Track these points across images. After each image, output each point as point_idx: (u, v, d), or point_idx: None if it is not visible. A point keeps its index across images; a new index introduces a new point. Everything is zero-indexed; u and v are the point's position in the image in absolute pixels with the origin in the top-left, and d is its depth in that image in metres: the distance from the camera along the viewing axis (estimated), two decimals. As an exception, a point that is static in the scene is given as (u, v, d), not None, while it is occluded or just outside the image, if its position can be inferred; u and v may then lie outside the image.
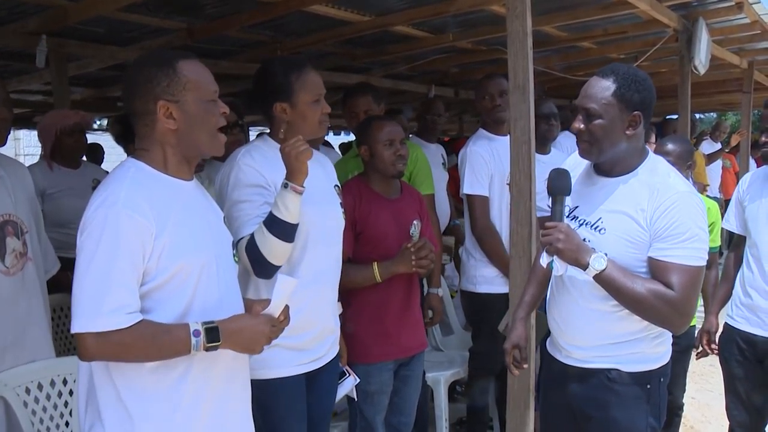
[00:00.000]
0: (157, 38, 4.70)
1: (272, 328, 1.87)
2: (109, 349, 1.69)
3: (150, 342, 1.71)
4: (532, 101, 2.86)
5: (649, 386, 2.22)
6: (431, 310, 3.42)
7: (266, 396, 2.37)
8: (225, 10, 4.20)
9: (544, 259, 2.20)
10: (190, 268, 1.80)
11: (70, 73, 4.84)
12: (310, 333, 2.47)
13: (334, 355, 2.64)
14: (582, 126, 2.19)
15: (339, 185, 2.69)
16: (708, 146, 9.85)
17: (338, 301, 2.68)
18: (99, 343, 1.67)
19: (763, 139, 2.94)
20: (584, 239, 2.18)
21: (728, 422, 3.18)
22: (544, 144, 4.11)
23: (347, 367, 2.81)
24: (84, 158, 4.40)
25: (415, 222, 2.99)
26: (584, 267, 2.10)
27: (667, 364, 2.29)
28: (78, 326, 1.68)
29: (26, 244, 2.53)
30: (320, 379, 2.56)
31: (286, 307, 1.92)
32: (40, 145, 4.06)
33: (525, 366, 2.49)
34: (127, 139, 3.76)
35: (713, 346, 3.18)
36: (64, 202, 3.75)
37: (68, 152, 3.97)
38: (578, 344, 2.30)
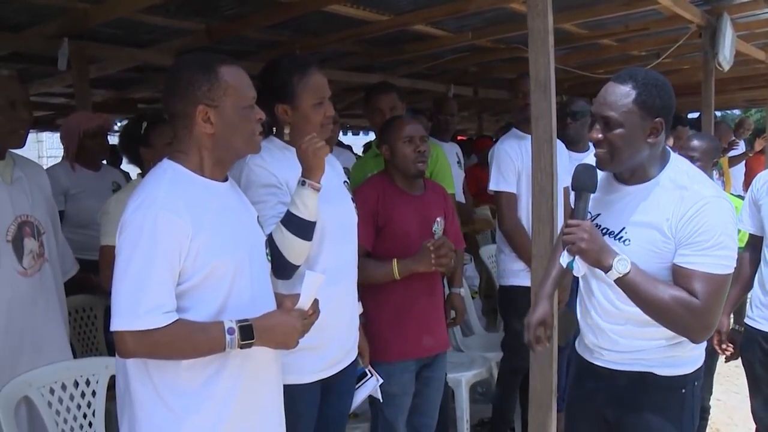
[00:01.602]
0: (175, 39, 4.72)
1: (303, 322, 1.89)
2: (147, 347, 1.73)
3: (186, 340, 1.76)
4: (554, 99, 2.83)
5: (683, 390, 2.16)
6: (454, 310, 3.40)
7: None
8: (243, 10, 4.21)
9: (564, 259, 2.11)
10: (225, 268, 1.83)
11: (91, 75, 4.86)
12: (330, 331, 2.44)
13: (354, 357, 2.62)
14: (600, 135, 2.08)
15: (348, 182, 2.68)
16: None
17: (359, 300, 2.67)
18: (137, 341, 1.71)
19: None
20: None
21: (755, 425, 3.13)
22: (577, 142, 4.11)
23: (370, 368, 2.79)
24: (104, 161, 4.44)
25: (438, 219, 2.98)
26: (607, 269, 2.01)
27: (701, 367, 2.22)
28: (117, 324, 1.72)
29: (43, 245, 2.55)
30: (338, 384, 2.54)
31: (316, 301, 1.95)
32: (62, 146, 4.09)
33: (547, 344, 2.38)
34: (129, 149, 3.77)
35: (724, 346, 3.13)
36: (85, 203, 3.78)
37: (91, 154, 4.01)
38: (610, 348, 2.23)
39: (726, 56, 5.22)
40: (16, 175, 2.52)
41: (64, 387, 2.45)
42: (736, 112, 17.63)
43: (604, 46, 6.22)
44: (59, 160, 4.19)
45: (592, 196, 2.15)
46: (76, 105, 4.72)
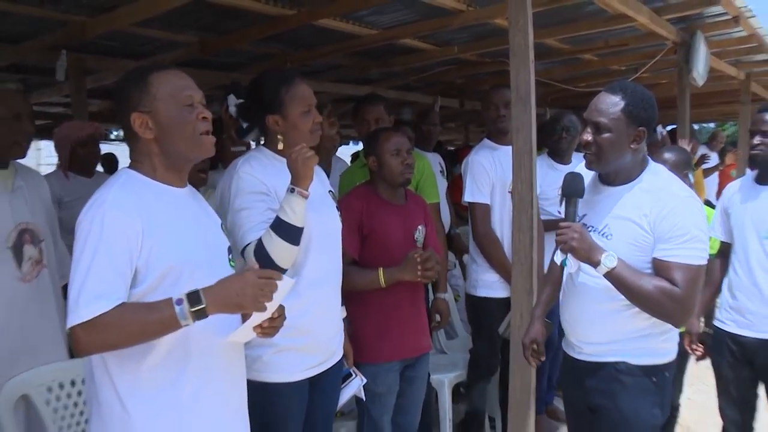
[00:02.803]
0: (170, 52, 4.74)
1: (259, 281, 1.74)
2: (97, 337, 1.67)
3: (133, 322, 1.68)
4: (534, 112, 2.87)
5: (655, 379, 2.31)
6: (439, 314, 3.45)
7: (267, 399, 2.40)
8: (236, 24, 4.23)
9: (558, 257, 2.31)
10: (180, 270, 1.79)
11: (88, 86, 4.90)
12: (315, 334, 2.49)
13: (339, 358, 2.66)
14: (590, 138, 2.29)
15: (333, 191, 2.72)
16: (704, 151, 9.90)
17: (342, 304, 2.71)
18: (86, 333, 1.66)
19: (755, 141, 2.97)
20: None
21: (722, 421, 3.20)
22: (563, 155, 4.16)
23: (354, 368, 2.83)
24: (101, 168, 4.45)
25: (419, 227, 3.02)
26: (596, 264, 2.20)
27: (673, 361, 2.37)
28: (68, 322, 1.68)
29: (42, 251, 2.57)
30: (324, 382, 2.58)
31: (281, 307, 1.90)
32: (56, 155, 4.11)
33: (542, 358, 2.60)
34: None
35: (695, 347, 3.19)
36: (78, 210, 3.77)
37: (83, 162, 4.01)
38: (589, 340, 2.40)
39: (700, 72, 5.30)
40: (17, 184, 2.54)
41: (61, 386, 2.46)
42: (712, 125, 17.78)
43: (585, 60, 6.30)
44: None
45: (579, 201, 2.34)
46: (73, 114, 4.75)
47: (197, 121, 1.87)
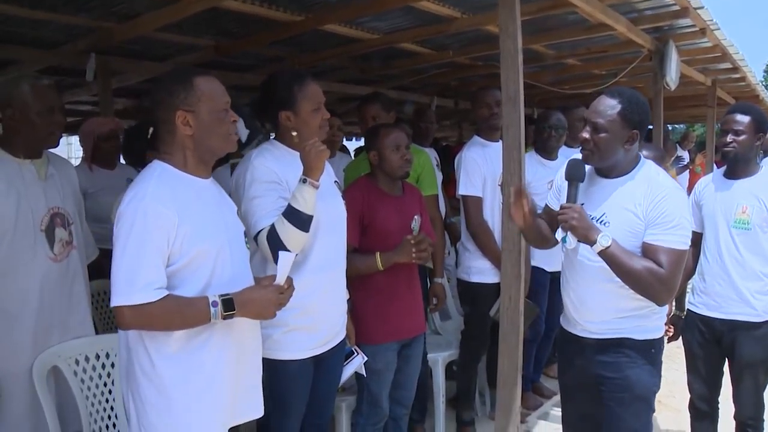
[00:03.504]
0: (188, 54, 4.72)
1: (280, 296, 1.95)
2: (142, 319, 1.80)
3: (175, 312, 1.82)
4: (523, 111, 2.86)
5: (653, 350, 2.40)
6: (435, 297, 3.44)
7: (275, 375, 2.41)
8: (249, 29, 4.22)
9: (559, 234, 2.35)
10: (207, 252, 1.89)
11: (114, 86, 4.89)
12: (322, 314, 2.49)
13: (342, 337, 2.65)
14: (588, 136, 2.33)
15: (338, 181, 2.72)
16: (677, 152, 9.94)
17: (346, 288, 2.70)
18: (133, 315, 1.78)
19: (727, 139, 2.95)
20: None
21: (689, 394, 3.20)
22: (550, 151, 4.14)
23: (356, 347, 2.82)
24: (122, 160, 4.45)
25: (416, 217, 3.00)
26: (592, 243, 2.25)
27: (662, 336, 2.47)
28: (116, 301, 1.79)
29: (72, 234, 2.57)
30: (328, 360, 2.58)
31: (289, 278, 1.99)
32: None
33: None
34: (129, 151, 3.65)
35: (666, 328, 3.17)
36: (103, 200, 3.76)
37: (105, 155, 4.00)
38: (593, 320, 2.43)
39: (672, 77, 5.29)
40: (50, 172, 2.54)
41: (87, 359, 2.47)
42: (683, 126, 17.78)
43: (569, 65, 6.27)
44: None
45: (580, 185, 2.39)
46: (101, 112, 4.75)
47: (230, 123, 1.97)
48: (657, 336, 2.42)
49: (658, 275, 2.21)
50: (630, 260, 2.23)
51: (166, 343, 1.86)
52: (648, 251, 2.26)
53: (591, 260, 2.34)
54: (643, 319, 2.38)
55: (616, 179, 2.37)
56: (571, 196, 2.36)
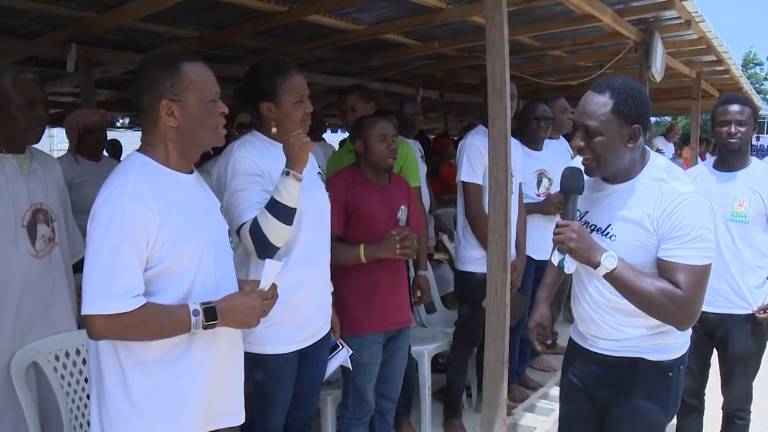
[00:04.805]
0: (172, 45, 4.67)
1: (263, 303, 1.84)
2: (116, 330, 1.66)
3: (153, 323, 1.68)
4: (509, 103, 2.84)
5: (671, 374, 2.07)
6: (420, 290, 3.42)
7: (260, 369, 2.38)
8: (233, 20, 4.18)
9: (555, 258, 2.03)
10: (190, 255, 1.77)
11: (96, 77, 4.85)
12: (306, 308, 2.45)
13: (327, 330, 2.62)
14: (582, 143, 1.99)
15: (322, 173, 2.67)
16: (662, 144, 9.97)
17: (330, 280, 2.66)
18: (106, 325, 1.65)
19: (732, 130, 2.89)
20: None
21: None
22: (536, 142, 4.16)
23: (341, 340, 2.79)
24: (105, 153, 4.40)
25: (402, 207, 2.97)
26: (595, 266, 1.93)
27: (686, 352, 2.12)
28: (88, 309, 1.64)
29: (54, 230, 2.52)
30: (313, 354, 2.54)
31: (274, 286, 1.90)
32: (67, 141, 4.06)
33: (548, 342, 2.39)
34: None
35: None
36: (87, 192, 3.72)
37: (90, 147, 3.97)
38: (602, 336, 2.13)
39: (657, 69, 5.30)
40: (33, 167, 2.49)
41: (67, 354, 2.42)
42: (668, 118, 17.88)
43: (555, 57, 6.27)
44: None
45: (578, 198, 2.08)
46: (82, 103, 4.71)
47: (218, 115, 1.83)
48: (677, 356, 2.08)
49: (675, 297, 1.88)
50: (641, 282, 1.90)
51: (140, 351, 1.73)
52: (663, 269, 1.92)
53: (594, 274, 2.02)
54: (662, 337, 2.04)
55: (624, 184, 2.03)
56: (569, 212, 2.03)
